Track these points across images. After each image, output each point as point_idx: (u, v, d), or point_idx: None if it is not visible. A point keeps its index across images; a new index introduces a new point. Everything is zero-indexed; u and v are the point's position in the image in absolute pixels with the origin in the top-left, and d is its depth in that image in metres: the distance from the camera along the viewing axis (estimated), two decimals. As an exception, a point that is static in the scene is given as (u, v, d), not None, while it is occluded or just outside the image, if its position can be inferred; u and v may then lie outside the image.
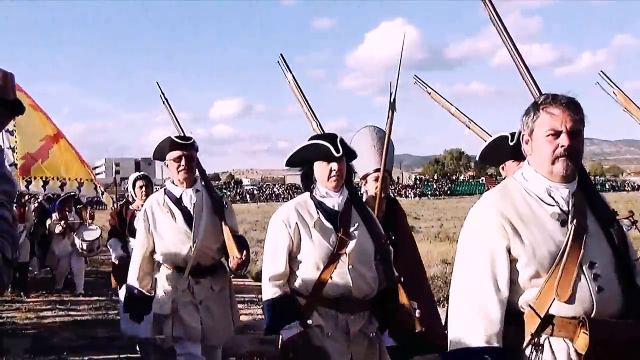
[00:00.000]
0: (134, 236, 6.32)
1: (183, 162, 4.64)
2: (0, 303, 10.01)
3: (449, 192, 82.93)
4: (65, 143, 9.95)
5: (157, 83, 5.33)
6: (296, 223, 3.50)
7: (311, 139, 3.70)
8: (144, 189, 6.85)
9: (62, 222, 11.04)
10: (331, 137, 3.56)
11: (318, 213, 3.54)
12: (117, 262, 6.74)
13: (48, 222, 11.46)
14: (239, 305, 9.23)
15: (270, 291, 3.53)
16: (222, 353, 6.71)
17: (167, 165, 4.75)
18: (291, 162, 3.70)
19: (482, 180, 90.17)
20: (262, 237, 10.52)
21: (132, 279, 4.71)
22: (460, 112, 4.53)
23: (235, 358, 6.55)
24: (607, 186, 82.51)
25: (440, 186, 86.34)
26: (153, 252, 4.71)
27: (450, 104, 4.65)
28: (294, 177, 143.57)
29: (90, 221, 11.43)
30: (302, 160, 3.67)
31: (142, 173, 7.21)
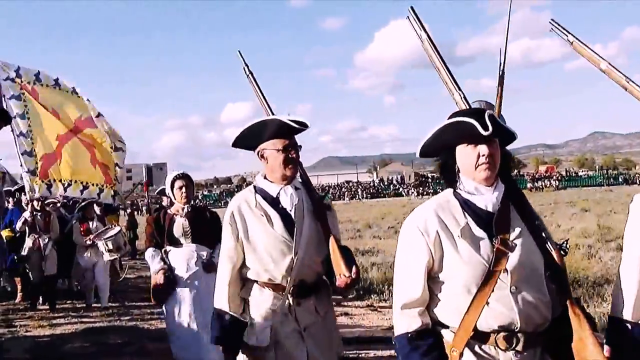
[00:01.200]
0: (173, 244, 5.94)
1: (293, 152, 3.59)
2: (13, 312, 10.04)
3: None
4: (77, 142, 9.36)
5: (239, 52, 4.13)
6: (437, 232, 2.63)
7: (452, 116, 2.76)
8: (184, 189, 5.96)
9: (90, 237, 10.36)
10: (478, 112, 2.64)
11: (465, 217, 2.66)
12: (156, 276, 5.82)
13: (77, 232, 10.58)
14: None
15: (404, 323, 2.67)
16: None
17: (263, 156, 3.62)
18: (426, 152, 2.77)
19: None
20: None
21: (221, 301, 3.62)
22: (614, 68, 3.16)
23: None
24: (620, 179, 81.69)
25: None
26: (242, 266, 3.64)
27: (601, 57, 3.23)
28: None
29: (111, 225, 11.02)
30: (440, 146, 2.75)
31: (181, 172, 6.08)
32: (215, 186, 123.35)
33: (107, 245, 10.12)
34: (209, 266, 5.73)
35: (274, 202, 3.63)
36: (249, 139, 3.65)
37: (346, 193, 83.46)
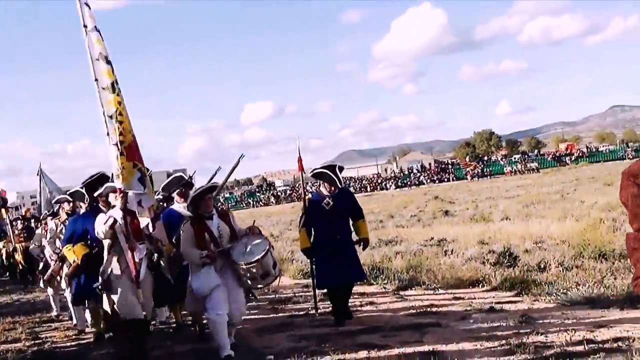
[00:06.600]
0: None
1: None
2: (39, 324, 10.08)
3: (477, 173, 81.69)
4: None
5: None
6: None
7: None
8: None
9: (208, 252, 6.44)
10: None
11: None
12: None
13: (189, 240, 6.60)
14: (278, 304, 9.19)
15: None
16: (258, 352, 6.66)
17: None
18: None
19: (514, 158, 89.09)
20: (297, 237, 10.42)
21: None
22: None
23: (273, 356, 6.44)
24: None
25: (472, 168, 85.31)
26: None
27: None
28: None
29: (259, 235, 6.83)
30: None
31: None
32: (236, 188, 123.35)
33: (250, 272, 6.56)
34: None
35: None
36: None
37: (367, 185, 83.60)
